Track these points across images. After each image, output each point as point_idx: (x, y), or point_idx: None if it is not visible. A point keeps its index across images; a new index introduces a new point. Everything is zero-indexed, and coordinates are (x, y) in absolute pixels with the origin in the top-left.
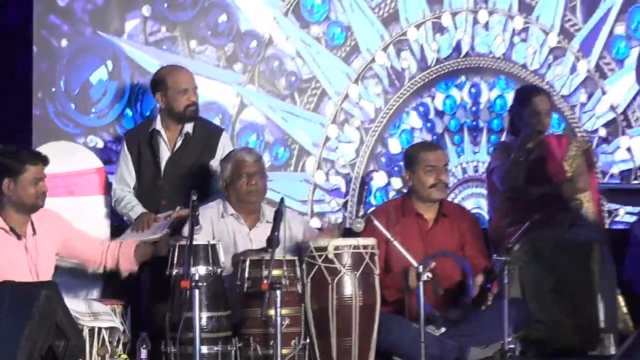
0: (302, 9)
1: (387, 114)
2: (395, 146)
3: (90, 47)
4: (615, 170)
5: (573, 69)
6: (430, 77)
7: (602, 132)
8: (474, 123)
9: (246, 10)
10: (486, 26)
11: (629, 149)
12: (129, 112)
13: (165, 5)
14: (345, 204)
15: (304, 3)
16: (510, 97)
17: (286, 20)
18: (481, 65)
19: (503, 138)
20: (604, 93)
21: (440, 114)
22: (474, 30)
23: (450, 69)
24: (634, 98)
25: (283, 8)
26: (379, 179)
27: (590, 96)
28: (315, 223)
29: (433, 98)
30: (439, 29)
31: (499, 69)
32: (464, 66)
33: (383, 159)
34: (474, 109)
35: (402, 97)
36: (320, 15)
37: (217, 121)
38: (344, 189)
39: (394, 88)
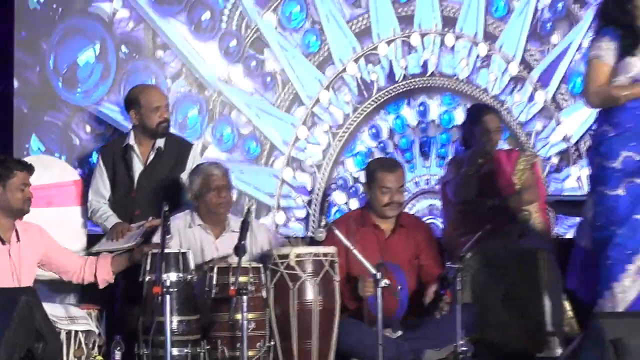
0: (282, 15)
1: (355, 121)
2: (351, 165)
3: (80, 29)
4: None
5: (531, 98)
6: (398, 92)
7: (555, 160)
8: (424, 139)
9: (227, 11)
10: (452, 49)
11: (578, 178)
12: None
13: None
14: (309, 202)
15: (283, 10)
16: (455, 112)
17: (266, 24)
18: (446, 85)
19: (450, 151)
20: (558, 123)
21: (391, 133)
22: (440, 51)
23: (416, 86)
24: (587, 131)
25: (264, 13)
26: (339, 198)
27: (545, 125)
28: (281, 217)
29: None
30: (408, 47)
31: (461, 91)
32: (429, 84)
33: (340, 181)
34: (422, 125)
35: (369, 107)
36: (297, 23)
37: (194, 112)
38: (309, 187)
39: (362, 98)
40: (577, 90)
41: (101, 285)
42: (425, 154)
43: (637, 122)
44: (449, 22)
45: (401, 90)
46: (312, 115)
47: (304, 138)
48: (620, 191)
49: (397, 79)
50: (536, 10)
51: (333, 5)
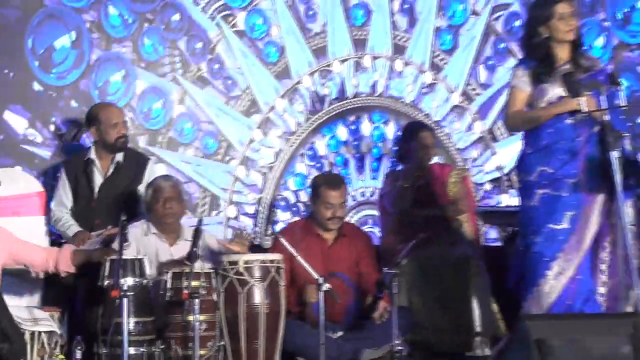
0: (246, 25)
1: (306, 129)
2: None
3: (58, 16)
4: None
5: (470, 128)
6: (345, 108)
7: (488, 187)
8: (357, 155)
9: (197, 15)
10: (400, 74)
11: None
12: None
13: None
14: (260, 200)
15: (247, 20)
16: (385, 128)
17: (231, 32)
18: (392, 107)
19: (383, 165)
20: (493, 153)
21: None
22: (389, 75)
23: (366, 104)
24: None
25: (231, 21)
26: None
27: (481, 154)
28: (232, 210)
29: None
30: (360, 67)
31: (405, 113)
32: (377, 104)
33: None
34: (355, 142)
35: (320, 119)
36: (259, 34)
37: (159, 105)
38: (260, 186)
39: (314, 110)
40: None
41: (63, 275)
42: (360, 169)
43: (550, 140)
44: (399, 49)
45: (348, 107)
46: (267, 121)
47: (259, 140)
48: (536, 202)
49: (347, 95)
50: (480, 47)
51: (293, 22)
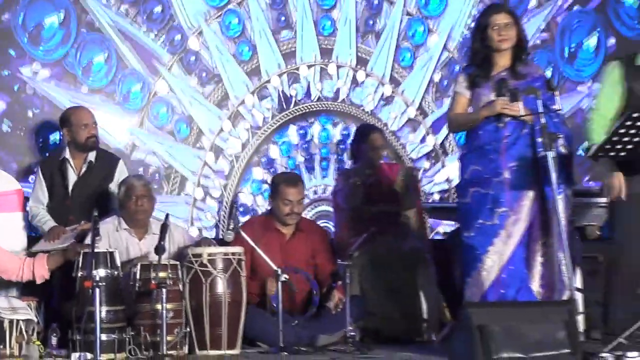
0: (222, 24)
1: (272, 127)
2: (258, 173)
3: None
4: (440, 229)
5: (423, 140)
6: (309, 110)
7: (436, 197)
8: (306, 157)
9: (177, 10)
10: (362, 84)
11: None
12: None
13: None
14: (225, 186)
15: (224, 19)
16: (331, 129)
17: (207, 28)
18: (352, 113)
19: (332, 163)
20: (443, 166)
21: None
22: (352, 84)
23: (329, 108)
24: None
25: (206, 17)
26: (245, 199)
27: (432, 165)
28: (200, 192)
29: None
30: (325, 74)
31: (364, 120)
32: (339, 109)
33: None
34: (305, 145)
35: (284, 118)
36: (234, 33)
37: (137, 87)
38: (226, 173)
39: (281, 108)
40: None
41: (38, 281)
42: (310, 169)
43: (482, 141)
44: (361, 61)
45: (312, 110)
46: (237, 114)
47: (228, 131)
48: (468, 199)
49: (312, 98)
50: (436, 66)
51: (266, 24)
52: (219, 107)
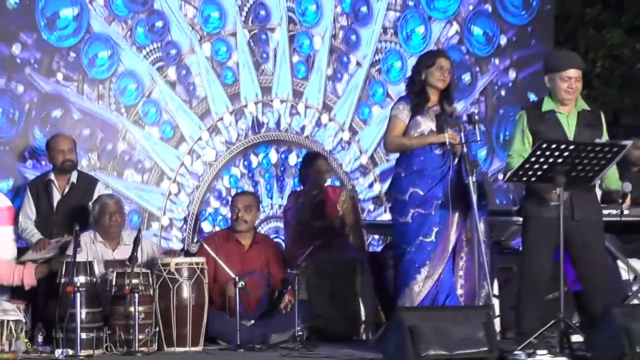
0: (212, 49)
1: (245, 144)
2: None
3: None
4: None
5: (371, 185)
6: (273, 139)
7: (370, 207)
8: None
9: (175, 29)
10: (325, 126)
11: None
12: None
13: None
14: (197, 187)
15: (214, 45)
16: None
17: (200, 49)
18: (313, 148)
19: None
20: (374, 179)
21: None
22: (316, 124)
23: (292, 140)
24: None
25: (202, 42)
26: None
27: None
28: (175, 188)
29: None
30: (294, 110)
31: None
32: (300, 142)
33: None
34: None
35: (253, 141)
36: (222, 58)
37: (132, 87)
38: (200, 174)
39: (254, 132)
40: (366, 117)
41: (26, 288)
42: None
43: (421, 166)
44: (327, 106)
45: (278, 139)
46: (215, 127)
47: (205, 140)
48: (409, 219)
49: (281, 129)
50: (362, 91)
51: (250, 58)
52: (200, 118)
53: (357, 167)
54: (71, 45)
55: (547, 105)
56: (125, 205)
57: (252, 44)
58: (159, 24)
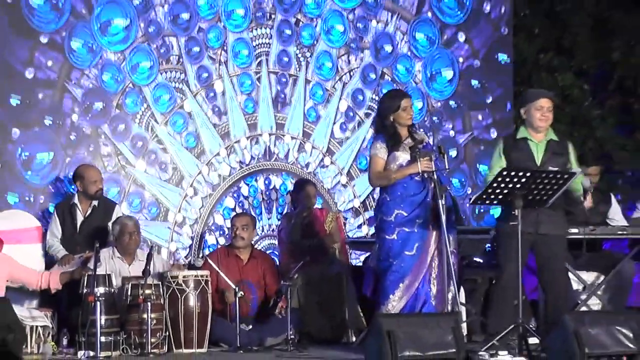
0: (206, 95)
1: (257, 167)
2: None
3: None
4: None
5: (359, 227)
6: (262, 168)
7: (352, 220)
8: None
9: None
10: (306, 152)
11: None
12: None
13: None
14: (210, 195)
15: (207, 91)
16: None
17: (193, 99)
18: (296, 172)
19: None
20: (364, 223)
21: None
22: (299, 150)
23: (276, 167)
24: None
25: (195, 88)
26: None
27: (343, 190)
28: (191, 191)
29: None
30: (279, 140)
31: (294, 172)
32: (286, 168)
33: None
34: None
35: (247, 171)
36: (246, 89)
37: (166, 97)
38: (214, 184)
39: (265, 158)
40: (362, 166)
41: (52, 291)
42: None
43: (404, 191)
44: (306, 134)
45: (265, 168)
46: (232, 147)
47: (223, 156)
48: (394, 236)
49: (269, 159)
50: (335, 117)
51: (236, 101)
52: (197, 158)
53: (350, 208)
54: (118, 51)
55: (521, 133)
56: (145, 199)
57: (238, 90)
58: (196, 49)
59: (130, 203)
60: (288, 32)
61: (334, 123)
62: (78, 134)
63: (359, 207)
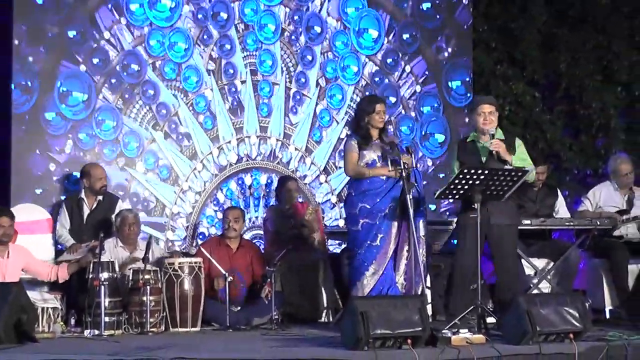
0: (194, 103)
1: (244, 165)
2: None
3: None
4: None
5: (327, 193)
6: (250, 166)
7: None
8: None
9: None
10: (288, 151)
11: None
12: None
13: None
14: (216, 176)
15: (196, 99)
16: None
17: (185, 106)
18: (279, 170)
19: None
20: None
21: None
22: (281, 149)
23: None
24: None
25: (183, 97)
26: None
27: (320, 185)
28: (176, 209)
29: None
30: (263, 142)
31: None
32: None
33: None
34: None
35: (234, 169)
36: (201, 109)
37: (134, 144)
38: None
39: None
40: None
41: (60, 281)
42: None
43: (367, 187)
44: (287, 135)
45: (254, 166)
46: (202, 164)
47: (198, 171)
48: (359, 227)
49: (254, 157)
50: (312, 120)
51: (224, 107)
52: (190, 159)
53: (299, 160)
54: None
55: (471, 137)
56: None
57: (225, 96)
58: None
59: (146, 160)
60: (309, 57)
61: (285, 113)
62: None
63: (335, 202)
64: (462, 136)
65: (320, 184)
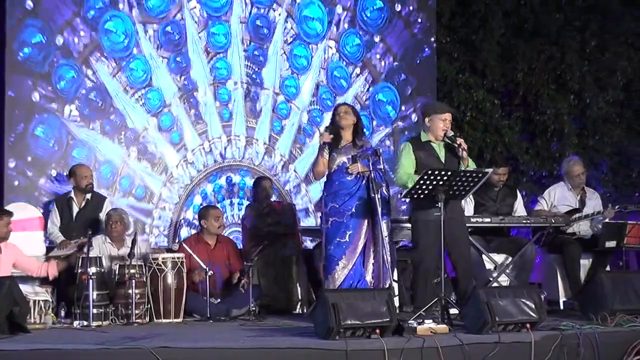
0: (187, 103)
1: (225, 163)
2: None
3: None
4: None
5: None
6: (236, 164)
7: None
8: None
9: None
10: (272, 155)
11: None
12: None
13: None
14: (197, 177)
15: (189, 100)
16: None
17: (178, 102)
18: (262, 171)
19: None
20: (304, 187)
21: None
22: (265, 153)
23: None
24: None
25: (177, 96)
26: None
27: (296, 188)
28: (162, 203)
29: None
30: (249, 143)
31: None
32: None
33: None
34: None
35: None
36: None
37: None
38: (177, 194)
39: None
40: None
41: (50, 279)
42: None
43: (337, 188)
44: (272, 139)
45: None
46: (186, 160)
47: (188, 161)
48: (329, 225)
49: (240, 158)
50: (298, 127)
51: (215, 109)
52: (177, 152)
53: (278, 163)
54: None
55: (425, 137)
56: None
57: (214, 100)
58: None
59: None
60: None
61: (271, 119)
62: None
63: (312, 210)
64: (410, 136)
65: (307, 211)
